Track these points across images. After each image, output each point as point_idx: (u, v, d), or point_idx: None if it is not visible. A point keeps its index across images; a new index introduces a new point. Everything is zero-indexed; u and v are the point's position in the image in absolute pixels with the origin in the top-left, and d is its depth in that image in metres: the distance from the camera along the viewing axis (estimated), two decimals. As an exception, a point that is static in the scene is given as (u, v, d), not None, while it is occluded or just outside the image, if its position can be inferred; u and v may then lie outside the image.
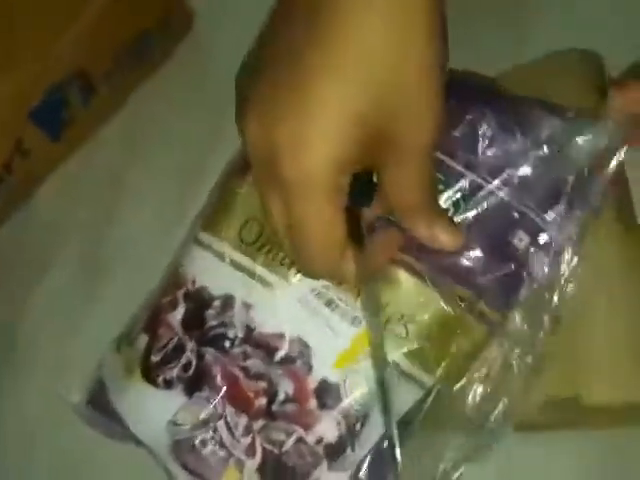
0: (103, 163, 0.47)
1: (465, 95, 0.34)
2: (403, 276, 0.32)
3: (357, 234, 0.30)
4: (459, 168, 0.34)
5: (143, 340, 0.36)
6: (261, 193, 0.31)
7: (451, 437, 0.33)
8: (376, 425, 0.32)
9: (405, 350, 0.32)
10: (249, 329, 0.33)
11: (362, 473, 0.33)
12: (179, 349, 0.34)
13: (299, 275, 0.33)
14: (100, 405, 0.37)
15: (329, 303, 0.32)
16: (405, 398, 0.33)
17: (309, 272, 0.32)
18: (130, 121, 0.47)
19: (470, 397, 0.33)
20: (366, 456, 0.33)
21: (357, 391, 0.32)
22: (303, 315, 0.32)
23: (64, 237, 0.45)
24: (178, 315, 0.35)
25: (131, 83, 0.47)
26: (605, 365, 0.33)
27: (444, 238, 0.32)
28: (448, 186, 0.34)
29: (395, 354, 0.32)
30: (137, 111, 0.47)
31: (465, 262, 0.33)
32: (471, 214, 0.34)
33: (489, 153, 0.34)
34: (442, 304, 0.32)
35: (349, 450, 0.32)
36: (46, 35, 0.40)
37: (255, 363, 0.33)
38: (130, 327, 0.38)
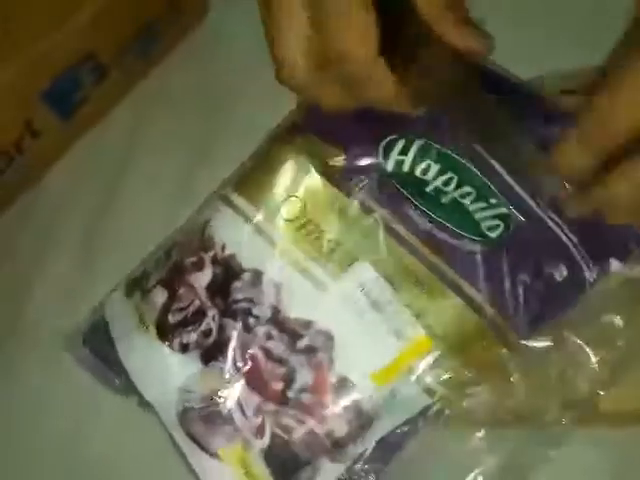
0: (112, 146, 0.46)
1: None
2: (446, 292, 0.32)
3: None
4: (518, 190, 0.34)
5: (161, 295, 0.35)
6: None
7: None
8: (382, 424, 0.33)
9: (427, 363, 0.32)
10: (276, 310, 0.33)
11: (358, 466, 0.34)
12: (200, 314, 0.33)
13: (338, 266, 0.33)
14: (100, 349, 0.36)
15: (375, 305, 0.32)
16: (413, 405, 0.33)
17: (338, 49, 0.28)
18: (140, 104, 0.46)
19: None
20: (365, 451, 0.34)
21: (374, 392, 0.32)
22: (345, 314, 0.32)
23: (71, 219, 0.44)
24: (204, 279, 0.34)
25: (142, 66, 0.46)
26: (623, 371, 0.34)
27: (474, 40, 0.30)
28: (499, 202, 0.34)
29: (417, 364, 0.32)
30: (147, 95, 0.46)
31: (504, 284, 0.33)
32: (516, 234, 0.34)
33: None
34: (473, 323, 0.32)
35: (352, 445, 0.33)
36: (54, 17, 0.38)
37: (277, 346, 0.32)
38: (142, 273, 0.37)
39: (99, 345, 0.36)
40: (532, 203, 0.34)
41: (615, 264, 0.34)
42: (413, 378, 0.32)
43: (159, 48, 0.46)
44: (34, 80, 0.39)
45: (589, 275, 0.34)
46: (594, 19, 0.42)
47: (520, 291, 0.33)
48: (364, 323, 0.32)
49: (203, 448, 0.32)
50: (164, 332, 0.34)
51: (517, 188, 0.34)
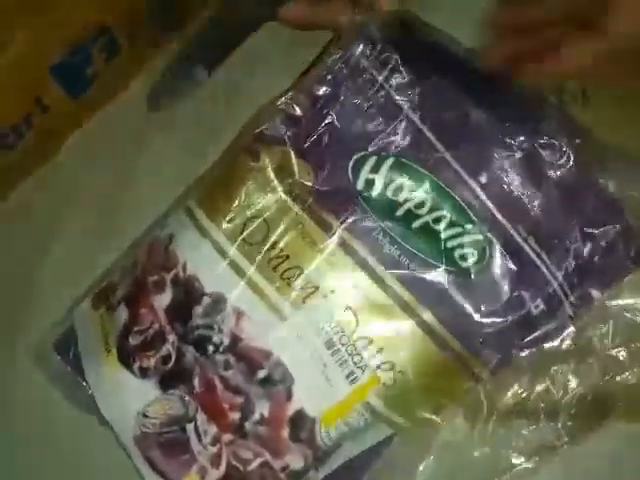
0: (125, 122, 0.44)
1: None
2: (410, 325, 0.31)
3: None
4: (498, 216, 0.32)
5: (123, 313, 0.34)
6: None
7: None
8: (342, 454, 0.33)
9: (387, 398, 0.31)
10: (236, 338, 0.32)
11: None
12: (160, 338, 0.33)
13: (299, 295, 0.31)
14: (70, 358, 0.36)
15: (330, 345, 0.31)
16: (374, 436, 0.33)
17: None
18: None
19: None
20: (326, 476, 0.33)
21: (331, 428, 0.31)
22: (299, 349, 0.31)
23: (83, 193, 0.44)
24: (164, 300, 0.33)
25: (156, 43, 0.44)
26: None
27: None
28: (475, 227, 0.32)
29: (376, 400, 0.31)
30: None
31: (473, 319, 0.31)
32: (490, 264, 0.32)
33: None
34: (439, 358, 0.31)
35: (312, 472, 0.33)
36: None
37: (236, 375, 0.32)
38: (109, 284, 0.36)
39: (69, 354, 0.36)
40: (513, 231, 0.32)
41: (596, 295, 0.32)
42: (372, 412, 0.31)
43: (174, 22, 0.44)
44: (44, 55, 0.38)
45: (569, 308, 0.32)
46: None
47: (490, 325, 0.31)
48: (317, 362, 0.31)
49: (160, 474, 0.33)
50: (125, 355, 0.33)
51: (497, 214, 0.32)
